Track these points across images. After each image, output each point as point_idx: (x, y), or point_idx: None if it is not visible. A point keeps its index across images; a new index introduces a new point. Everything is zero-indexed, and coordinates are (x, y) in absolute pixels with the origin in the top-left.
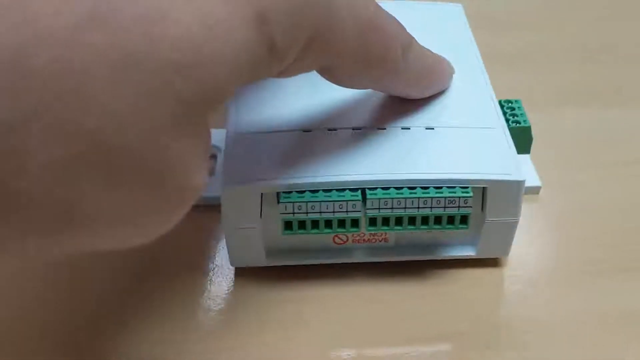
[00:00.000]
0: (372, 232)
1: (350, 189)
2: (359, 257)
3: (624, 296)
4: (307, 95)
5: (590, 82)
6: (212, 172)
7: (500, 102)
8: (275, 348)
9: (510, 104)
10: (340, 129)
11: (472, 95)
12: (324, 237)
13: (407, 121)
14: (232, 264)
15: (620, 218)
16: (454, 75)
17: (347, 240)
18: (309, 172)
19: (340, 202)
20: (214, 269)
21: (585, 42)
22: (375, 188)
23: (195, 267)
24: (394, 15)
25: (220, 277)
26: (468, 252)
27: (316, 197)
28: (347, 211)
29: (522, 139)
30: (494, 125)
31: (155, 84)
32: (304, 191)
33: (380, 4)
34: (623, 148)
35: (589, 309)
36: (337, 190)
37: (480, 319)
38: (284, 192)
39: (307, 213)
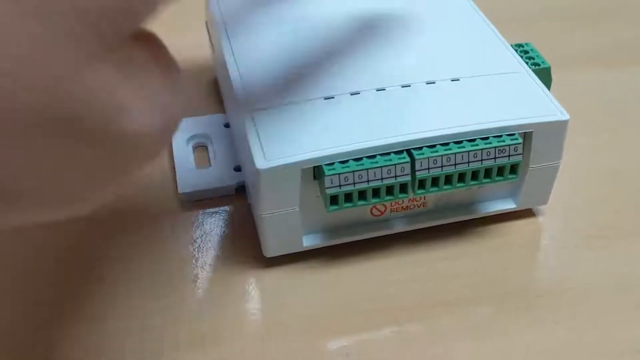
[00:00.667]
0: (412, 198)
1: (395, 152)
2: (399, 227)
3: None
4: (316, 61)
5: (602, 42)
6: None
7: (511, 46)
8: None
9: (522, 48)
10: (363, 91)
11: (483, 45)
12: (362, 211)
13: (430, 75)
14: (266, 254)
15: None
16: (457, 26)
17: (385, 210)
18: (347, 139)
19: (389, 167)
20: (242, 264)
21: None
22: (421, 147)
23: (219, 267)
24: None
25: (251, 270)
26: (509, 205)
27: (362, 165)
28: (395, 176)
29: (543, 81)
30: (516, 70)
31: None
32: (346, 161)
33: None
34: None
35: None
36: (381, 155)
37: (524, 278)
38: (326, 164)
39: (354, 184)
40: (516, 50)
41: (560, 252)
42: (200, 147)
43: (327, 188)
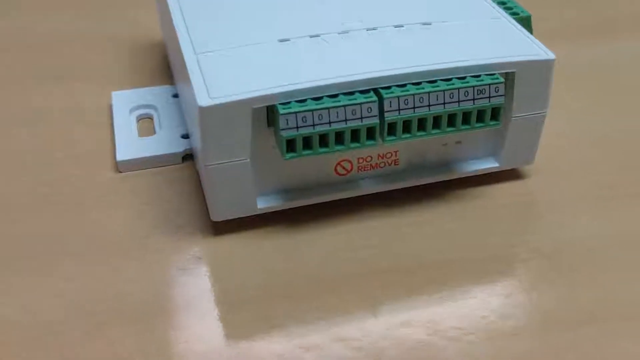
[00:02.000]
0: (381, 154)
1: (360, 91)
2: (368, 188)
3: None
4: (270, 6)
5: (587, 16)
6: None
7: None
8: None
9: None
10: (324, 34)
11: None
12: (325, 169)
13: (398, 18)
14: (214, 217)
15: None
16: None
17: (352, 168)
18: (305, 76)
19: (353, 107)
20: (186, 230)
21: None
22: (389, 87)
23: (161, 234)
24: None
25: (198, 239)
26: (491, 164)
27: (322, 103)
28: (361, 117)
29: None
30: (494, 16)
31: None
32: (304, 100)
33: None
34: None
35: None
36: (344, 94)
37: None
38: (281, 103)
39: (313, 125)
40: (494, 1)
41: (549, 213)
42: (147, 119)
43: (282, 130)
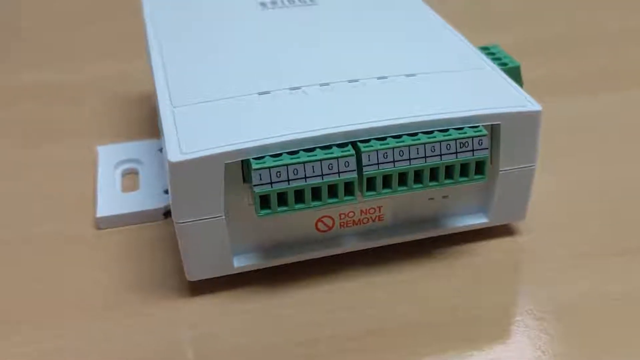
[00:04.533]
0: (364, 209)
1: (338, 145)
2: (351, 245)
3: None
4: (249, 58)
5: (579, 70)
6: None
7: (476, 48)
8: None
9: (488, 50)
10: (304, 86)
11: (442, 43)
12: (305, 226)
13: (381, 71)
14: (190, 277)
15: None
16: (417, 31)
17: (333, 225)
18: (280, 130)
19: (330, 161)
20: (161, 291)
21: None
22: (368, 140)
23: (135, 293)
24: None
25: (174, 298)
26: (480, 220)
27: (297, 158)
28: (338, 172)
29: (514, 81)
30: (480, 66)
31: None
32: (280, 154)
33: None
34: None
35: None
36: (321, 148)
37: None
38: (254, 158)
39: (288, 181)
40: (482, 52)
41: (541, 272)
42: (132, 174)
43: (256, 185)
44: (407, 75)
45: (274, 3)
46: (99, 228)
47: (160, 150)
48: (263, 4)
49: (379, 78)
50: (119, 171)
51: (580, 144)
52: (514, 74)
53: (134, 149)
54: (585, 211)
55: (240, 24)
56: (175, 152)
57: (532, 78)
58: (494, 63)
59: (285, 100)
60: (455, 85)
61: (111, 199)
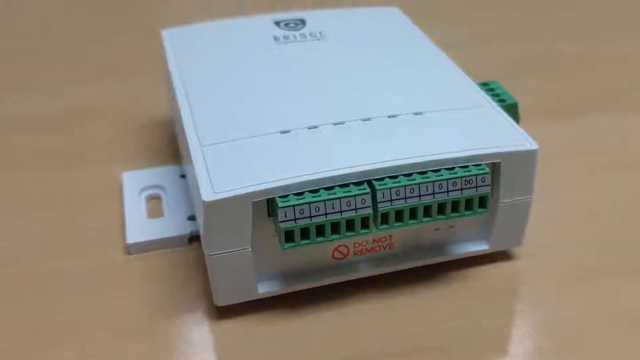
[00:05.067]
0: (376, 238)
1: (354, 183)
2: (364, 271)
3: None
4: (269, 96)
5: (569, 94)
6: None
7: (477, 84)
8: None
9: (487, 86)
10: (321, 125)
11: (448, 80)
12: (322, 254)
13: (392, 109)
14: (218, 303)
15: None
16: (420, 66)
17: (348, 253)
18: (302, 170)
19: (348, 199)
20: (191, 314)
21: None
22: (382, 178)
23: (168, 317)
24: (331, 22)
25: (204, 321)
26: (481, 247)
27: (319, 196)
28: (355, 208)
29: (511, 117)
30: (481, 104)
31: None
32: (302, 193)
33: (310, 12)
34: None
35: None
36: (339, 186)
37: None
38: (279, 196)
39: (310, 217)
40: (482, 89)
41: (539, 296)
42: (155, 199)
43: (281, 222)
44: (415, 114)
45: (286, 37)
46: (129, 253)
47: (182, 176)
48: (276, 38)
49: (389, 117)
50: (143, 197)
51: (573, 167)
52: (512, 110)
53: (156, 175)
54: (579, 234)
55: (257, 59)
56: (208, 192)
57: (527, 100)
58: (494, 99)
59: (304, 139)
60: (460, 124)
61: (139, 226)
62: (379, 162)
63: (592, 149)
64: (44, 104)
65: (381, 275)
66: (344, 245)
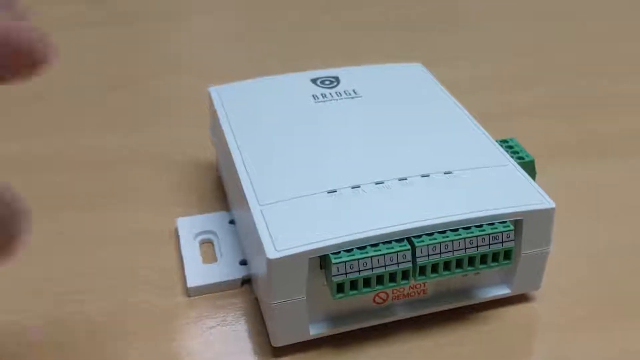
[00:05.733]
0: (412, 285)
1: (396, 240)
2: (401, 314)
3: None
4: (314, 155)
5: (580, 136)
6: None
7: (497, 142)
8: None
9: (507, 143)
10: (364, 184)
11: (471, 139)
12: (365, 300)
13: (425, 168)
14: (275, 344)
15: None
16: (446, 124)
17: (387, 298)
18: (351, 229)
19: (391, 255)
20: (248, 354)
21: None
22: (420, 235)
23: (232, 356)
24: (363, 79)
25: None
26: (503, 291)
27: (366, 253)
28: (397, 263)
29: (528, 172)
30: (504, 163)
31: None
32: (351, 249)
33: (343, 70)
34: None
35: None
36: (383, 243)
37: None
38: (332, 253)
39: (359, 271)
40: (501, 145)
41: (556, 335)
42: (207, 243)
43: (334, 276)
44: (445, 173)
45: (323, 96)
46: (189, 296)
47: (231, 222)
48: (315, 97)
49: (422, 176)
50: (197, 242)
51: (583, 208)
52: (529, 167)
53: (208, 220)
54: (594, 276)
55: (300, 118)
56: (271, 251)
57: (533, 141)
58: (513, 157)
59: (349, 198)
60: (486, 183)
61: (196, 270)
62: (417, 222)
63: (603, 191)
64: (88, 147)
65: (415, 317)
66: (384, 292)
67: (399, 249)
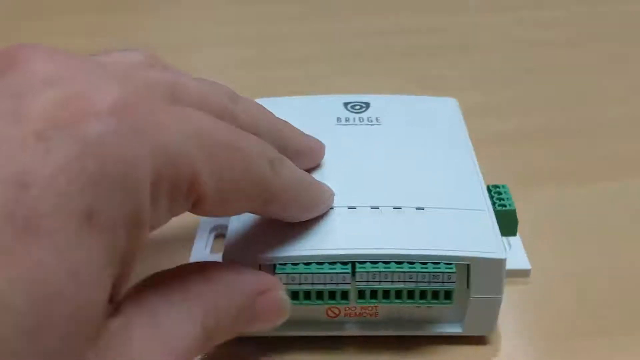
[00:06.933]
0: (363, 306)
1: (342, 262)
2: (349, 331)
3: None
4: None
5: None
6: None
7: (488, 187)
8: None
9: (497, 189)
10: (338, 207)
11: (462, 180)
12: (318, 311)
13: (399, 201)
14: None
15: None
16: (446, 161)
17: (340, 313)
18: (303, 246)
19: (332, 275)
20: None
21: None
22: (365, 262)
23: None
24: (391, 108)
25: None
26: (454, 329)
27: (309, 269)
28: (337, 283)
29: (508, 222)
30: (480, 208)
31: None
32: (297, 263)
33: (377, 98)
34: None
35: None
36: (329, 263)
37: None
38: (279, 263)
39: (300, 284)
40: (491, 190)
41: None
42: (221, 237)
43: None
44: (417, 209)
45: (347, 119)
46: None
47: None
48: (339, 119)
49: (394, 208)
50: (212, 235)
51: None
52: (510, 215)
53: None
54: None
55: (326, 140)
56: (226, 255)
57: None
58: (496, 203)
59: (319, 218)
60: (448, 224)
61: (202, 258)
62: (365, 249)
63: (575, 216)
64: None
65: (367, 337)
66: (336, 307)
67: (340, 270)
